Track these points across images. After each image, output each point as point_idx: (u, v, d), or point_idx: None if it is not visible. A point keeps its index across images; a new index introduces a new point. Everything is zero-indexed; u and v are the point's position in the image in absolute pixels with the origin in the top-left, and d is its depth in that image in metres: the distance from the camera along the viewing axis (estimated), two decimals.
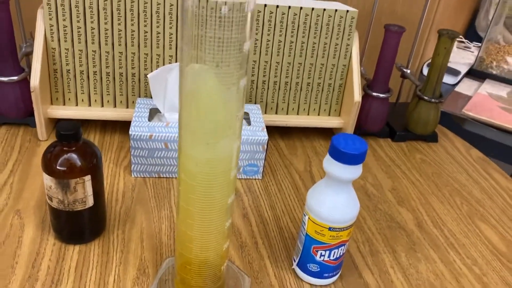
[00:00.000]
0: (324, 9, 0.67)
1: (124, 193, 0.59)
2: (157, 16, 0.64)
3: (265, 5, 0.66)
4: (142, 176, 0.62)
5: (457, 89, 1.07)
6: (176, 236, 0.43)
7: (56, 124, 0.51)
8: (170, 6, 0.63)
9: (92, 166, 0.46)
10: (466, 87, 1.08)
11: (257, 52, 0.69)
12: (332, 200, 0.44)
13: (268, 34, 0.68)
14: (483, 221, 0.62)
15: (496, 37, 1.27)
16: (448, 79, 1.10)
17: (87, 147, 0.47)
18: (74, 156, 0.45)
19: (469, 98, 1.02)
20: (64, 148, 0.45)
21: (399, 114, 0.82)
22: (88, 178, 0.46)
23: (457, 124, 1.00)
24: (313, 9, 0.67)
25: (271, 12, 0.66)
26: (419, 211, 0.62)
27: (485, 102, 1.00)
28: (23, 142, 0.66)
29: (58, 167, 0.45)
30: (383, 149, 0.76)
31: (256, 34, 0.68)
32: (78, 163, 0.45)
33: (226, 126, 0.35)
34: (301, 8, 0.66)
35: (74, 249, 0.50)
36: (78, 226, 0.50)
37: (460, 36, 1.30)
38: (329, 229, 0.45)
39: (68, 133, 0.44)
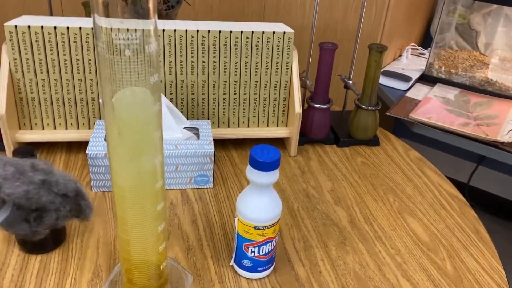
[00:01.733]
0: (263, 32, 0.74)
1: None
2: None
3: (209, 31, 0.73)
4: (101, 190, 0.68)
5: (408, 94, 1.14)
6: (118, 242, 0.49)
7: (14, 148, 0.57)
8: None
9: None
10: (417, 91, 1.16)
11: (206, 72, 0.76)
12: (255, 202, 0.51)
13: (214, 56, 0.75)
14: (411, 215, 0.69)
15: (449, 43, 1.35)
16: (400, 85, 1.17)
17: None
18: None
19: (418, 102, 1.10)
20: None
21: (344, 121, 0.89)
22: None
23: (407, 128, 1.07)
24: (252, 32, 0.74)
25: (215, 37, 0.73)
26: (353, 209, 0.69)
27: (432, 106, 1.08)
28: None
29: None
30: (328, 155, 0.83)
31: (203, 56, 0.75)
32: None
33: (146, 144, 0.42)
34: (241, 32, 0.74)
35: (36, 258, 0.56)
36: (40, 238, 0.56)
37: (413, 44, 1.38)
38: (255, 227, 0.51)
39: (23, 154, 0.51)
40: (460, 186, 1.56)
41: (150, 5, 0.36)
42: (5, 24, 0.69)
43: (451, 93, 1.15)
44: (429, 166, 0.82)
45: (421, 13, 1.42)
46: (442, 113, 1.05)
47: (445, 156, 1.41)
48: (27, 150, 0.52)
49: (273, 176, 0.50)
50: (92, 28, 0.70)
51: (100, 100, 0.69)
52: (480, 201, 1.61)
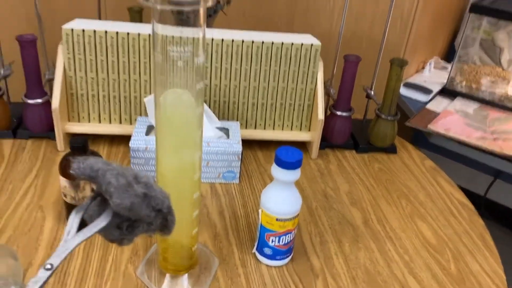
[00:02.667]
0: (292, 43, 0.81)
1: None
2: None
3: (243, 41, 0.80)
4: None
5: (428, 106, 1.19)
6: None
7: (70, 138, 0.65)
8: None
9: None
10: (437, 104, 1.20)
11: (237, 78, 0.83)
12: (278, 197, 0.58)
13: (246, 64, 0.82)
14: (421, 219, 0.74)
15: (473, 58, 1.39)
16: (421, 97, 1.22)
17: (93, 155, 0.61)
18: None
19: (437, 114, 1.14)
20: (75, 157, 0.59)
21: (364, 129, 0.95)
22: None
23: (425, 138, 1.12)
24: (282, 43, 0.81)
25: (248, 46, 0.80)
26: (367, 210, 0.75)
27: (451, 119, 1.12)
28: (45, 152, 0.81)
29: (70, 171, 0.59)
30: (347, 159, 0.88)
31: (236, 63, 0.82)
32: None
33: (188, 140, 0.49)
34: (272, 42, 0.80)
35: None
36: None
37: (437, 57, 1.42)
38: (277, 219, 0.58)
39: (78, 145, 0.59)
40: (476, 198, 1.59)
41: (201, 17, 0.43)
42: (62, 26, 0.77)
43: (471, 107, 1.19)
44: (443, 176, 0.86)
45: (446, 26, 1.46)
46: (460, 126, 1.09)
47: (462, 168, 1.44)
48: (82, 140, 0.59)
49: (295, 174, 0.56)
50: (138, 34, 0.77)
51: (145, 99, 0.77)
52: (497, 214, 1.63)
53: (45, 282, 0.36)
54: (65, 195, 0.62)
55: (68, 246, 0.39)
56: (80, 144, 0.59)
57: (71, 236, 0.40)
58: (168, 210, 0.43)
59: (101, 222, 0.41)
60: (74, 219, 0.42)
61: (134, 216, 0.41)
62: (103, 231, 0.41)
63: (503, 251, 0.69)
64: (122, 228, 0.42)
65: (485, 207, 1.60)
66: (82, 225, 0.42)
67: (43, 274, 0.36)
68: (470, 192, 1.70)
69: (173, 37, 0.42)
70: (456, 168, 1.39)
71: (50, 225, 0.65)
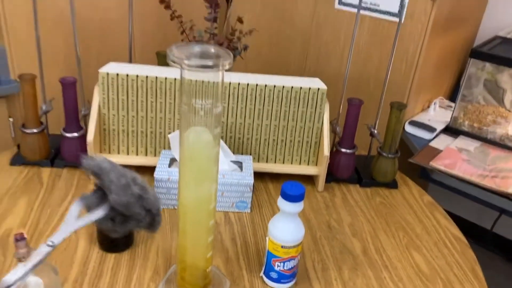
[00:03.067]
0: (301, 87, 0.90)
1: None
2: (178, 92, 0.89)
3: (257, 84, 0.90)
4: (162, 207, 0.85)
5: (431, 143, 1.26)
6: (177, 247, 0.64)
7: None
8: None
9: None
10: (440, 142, 1.27)
11: (251, 117, 0.92)
12: (283, 226, 0.66)
13: (259, 104, 0.91)
14: (416, 250, 0.81)
15: (477, 98, 1.46)
16: (425, 134, 1.29)
17: None
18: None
19: (439, 152, 1.21)
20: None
21: (368, 165, 1.02)
22: None
23: (427, 174, 1.19)
24: (292, 87, 0.90)
25: (261, 89, 0.90)
26: (367, 241, 0.82)
27: (452, 156, 1.19)
28: (79, 180, 0.91)
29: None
30: (351, 193, 0.96)
31: (250, 104, 0.91)
32: None
33: (207, 174, 0.57)
34: (283, 86, 0.90)
35: (111, 256, 0.72)
36: (115, 239, 0.73)
37: (441, 97, 1.50)
38: (282, 246, 0.66)
39: None
40: (483, 232, 1.62)
41: (220, 78, 0.52)
42: (99, 70, 0.88)
43: (472, 145, 1.25)
44: (439, 211, 0.93)
45: (451, 67, 1.54)
46: (460, 163, 1.16)
47: (470, 203, 1.50)
48: None
49: (298, 206, 0.64)
50: (165, 78, 0.88)
51: (169, 135, 0.87)
52: (503, 247, 1.66)
53: (45, 256, 0.43)
54: None
55: (69, 229, 0.47)
56: None
57: (72, 220, 0.47)
58: (157, 211, 0.51)
59: (99, 213, 0.49)
60: (76, 207, 0.50)
61: (128, 212, 0.48)
62: (99, 221, 0.49)
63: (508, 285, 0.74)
64: (115, 221, 0.50)
65: (492, 241, 1.64)
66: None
67: (44, 249, 0.44)
68: (477, 227, 1.74)
69: (196, 92, 0.52)
70: (463, 203, 1.44)
71: (83, 245, 0.74)
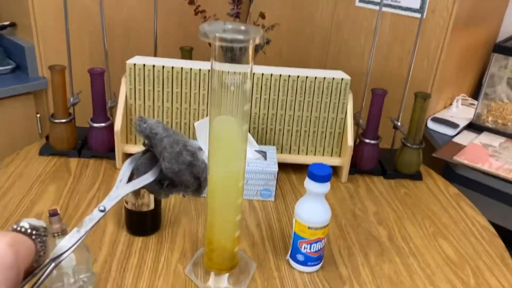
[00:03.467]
0: (324, 77, 0.91)
1: (174, 205, 0.82)
2: (203, 82, 0.90)
3: (280, 75, 0.90)
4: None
5: (455, 139, 1.25)
6: (205, 227, 0.65)
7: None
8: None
9: None
10: (464, 138, 1.26)
11: (275, 107, 0.93)
12: (310, 207, 0.66)
13: (283, 95, 0.92)
14: (444, 239, 0.80)
15: (500, 95, 1.44)
16: (447, 131, 1.28)
17: None
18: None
19: (463, 147, 1.20)
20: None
21: (392, 157, 1.02)
22: None
23: (451, 169, 1.17)
24: (315, 77, 0.91)
25: (285, 80, 0.91)
26: (393, 229, 0.81)
27: (477, 151, 1.17)
28: (106, 169, 0.92)
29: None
30: (375, 184, 0.95)
31: (274, 94, 0.92)
32: None
33: (236, 152, 0.58)
34: (307, 76, 0.91)
35: (139, 239, 0.73)
36: (142, 223, 0.74)
37: (464, 95, 1.48)
38: (308, 228, 0.66)
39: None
40: (510, 234, 1.58)
41: (250, 55, 0.53)
42: (126, 62, 0.90)
43: (497, 141, 1.24)
44: (466, 201, 0.92)
45: (474, 65, 1.53)
46: (486, 158, 1.14)
47: (496, 204, 1.47)
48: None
49: (325, 187, 0.64)
50: (190, 69, 0.89)
51: (195, 123, 0.88)
52: None
53: (98, 221, 0.44)
54: (126, 202, 0.72)
55: (120, 193, 0.46)
56: None
57: (123, 185, 0.47)
58: (205, 178, 0.51)
59: (149, 177, 0.48)
60: (126, 170, 0.49)
61: (177, 179, 0.48)
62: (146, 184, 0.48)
63: None
64: (163, 185, 0.49)
65: None
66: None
67: (97, 214, 0.44)
68: (505, 229, 1.70)
69: (228, 72, 0.53)
70: (489, 204, 1.41)
71: (111, 229, 0.75)
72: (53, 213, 0.57)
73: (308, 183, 0.65)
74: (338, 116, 0.94)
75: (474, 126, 1.32)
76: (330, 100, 0.93)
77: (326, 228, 0.67)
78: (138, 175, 0.49)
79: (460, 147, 1.19)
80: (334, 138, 0.96)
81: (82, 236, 0.42)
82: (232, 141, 0.58)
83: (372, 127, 0.94)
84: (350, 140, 0.91)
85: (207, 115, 0.93)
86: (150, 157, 0.50)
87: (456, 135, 1.27)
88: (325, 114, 0.94)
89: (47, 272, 0.38)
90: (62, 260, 0.40)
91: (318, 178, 0.63)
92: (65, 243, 0.41)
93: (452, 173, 1.19)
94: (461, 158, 1.13)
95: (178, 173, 0.48)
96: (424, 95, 0.91)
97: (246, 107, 0.56)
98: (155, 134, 0.48)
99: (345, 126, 0.94)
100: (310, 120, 0.94)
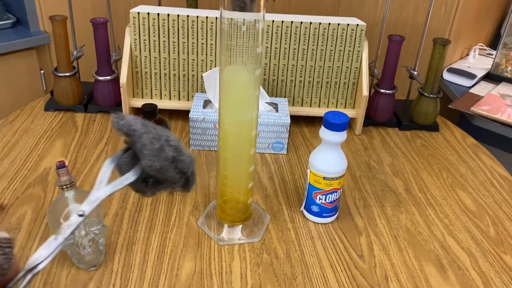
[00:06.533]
0: (338, 24, 0.86)
1: None
2: (210, 31, 0.86)
3: (292, 22, 0.86)
4: (198, 149, 0.84)
5: (472, 90, 1.20)
6: (217, 178, 0.63)
7: (143, 104, 0.73)
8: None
9: None
10: (481, 88, 1.21)
11: (286, 57, 0.89)
12: (325, 157, 0.63)
13: (294, 44, 0.88)
14: (462, 189, 0.77)
15: None
16: (464, 81, 1.23)
17: (161, 120, 0.69)
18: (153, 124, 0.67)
19: (480, 98, 1.15)
20: (147, 120, 0.67)
21: (407, 108, 0.98)
22: None
23: (467, 119, 1.14)
24: (329, 24, 0.86)
25: (296, 27, 0.86)
26: (409, 180, 0.79)
27: (495, 101, 1.13)
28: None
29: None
30: (390, 136, 0.93)
31: (285, 43, 0.88)
32: None
33: (248, 99, 0.55)
34: (319, 23, 0.86)
35: None
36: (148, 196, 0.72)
37: (481, 44, 1.42)
38: (324, 178, 0.64)
39: (149, 110, 0.67)
40: None
41: (261, 3, 0.49)
42: (130, 10, 0.86)
43: None
44: (484, 152, 0.89)
45: (492, 14, 1.46)
46: (504, 108, 1.10)
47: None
48: (153, 106, 0.67)
49: (341, 136, 0.62)
50: (197, 17, 0.85)
51: (203, 74, 0.85)
52: None
53: (77, 227, 0.39)
54: None
55: (99, 195, 0.41)
56: (151, 110, 0.67)
57: (103, 186, 0.42)
58: (192, 173, 0.45)
59: (131, 177, 0.43)
60: (106, 170, 0.44)
61: (161, 176, 0.43)
62: (131, 183, 0.44)
63: None
64: (148, 183, 0.45)
65: None
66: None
67: (76, 219, 0.39)
68: None
69: (237, 20, 0.49)
70: (504, 156, 1.39)
71: None
72: (60, 166, 0.55)
73: (324, 132, 0.62)
74: (352, 65, 0.90)
75: (492, 77, 1.27)
76: (344, 48, 0.88)
77: (342, 179, 0.65)
78: (122, 174, 0.44)
79: (477, 98, 1.15)
80: (348, 88, 0.92)
81: (60, 244, 0.38)
82: (244, 89, 0.55)
83: (388, 76, 0.90)
84: (365, 90, 0.87)
85: (215, 66, 0.89)
86: (133, 154, 0.44)
87: (473, 86, 1.23)
88: (339, 64, 0.90)
89: (23, 284, 0.35)
90: (39, 271, 0.36)
91: (334, 126, 0.61)
92: (42, 252, 0.37)
93: (468, 124, 1.15)
94: (478, 108, 1.09)
95: (161, 170, 0.42)
96: (443, 41, 0.86)
97: (259, 49, 0.52)
98: (133, 131, 0.42)
99: (360, 76, 0.90)
100: (323, 70, 0.90)
